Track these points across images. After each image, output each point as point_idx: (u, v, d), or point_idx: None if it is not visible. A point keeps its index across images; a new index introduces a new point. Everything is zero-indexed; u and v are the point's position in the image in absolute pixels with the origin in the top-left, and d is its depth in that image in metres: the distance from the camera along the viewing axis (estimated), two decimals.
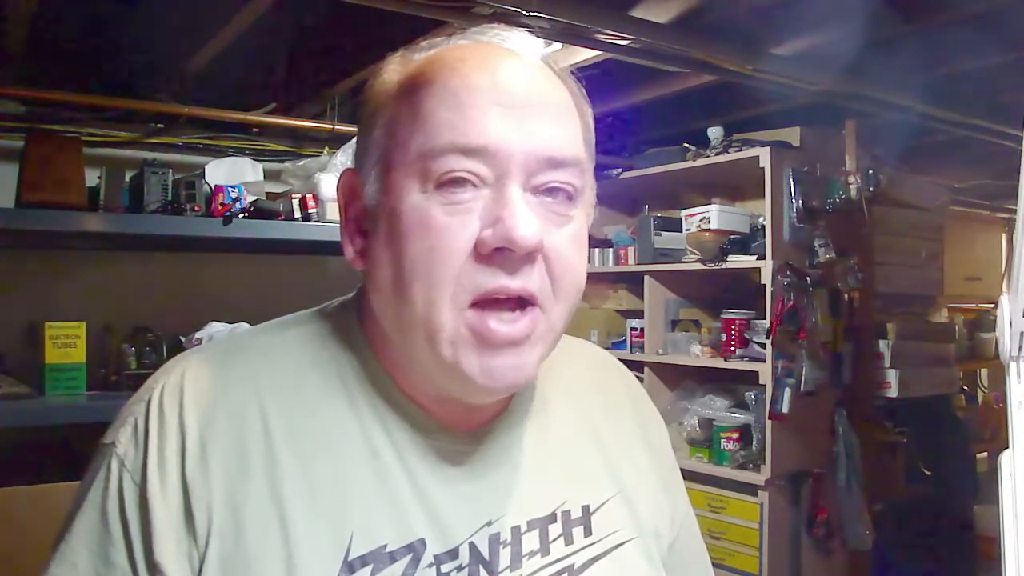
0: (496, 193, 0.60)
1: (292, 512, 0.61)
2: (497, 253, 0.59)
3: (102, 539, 0.61)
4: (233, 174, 2.32)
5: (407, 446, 0.66)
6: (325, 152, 2.69)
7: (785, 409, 2.55)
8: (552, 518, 0.71)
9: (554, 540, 0.70)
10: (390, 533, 0.63)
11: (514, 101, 0.61)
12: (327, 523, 0.61)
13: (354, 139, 2.53)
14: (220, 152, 2.65)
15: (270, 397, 0.65)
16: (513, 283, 0.60)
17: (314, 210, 2.28)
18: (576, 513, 0.72)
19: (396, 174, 0.62)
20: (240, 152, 2.67)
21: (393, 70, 0.67)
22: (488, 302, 0.60)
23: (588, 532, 0.72)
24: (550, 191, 0.62)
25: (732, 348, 2.81)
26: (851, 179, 2.73)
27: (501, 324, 0.60)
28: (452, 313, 0.60)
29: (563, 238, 0.63)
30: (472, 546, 0.65)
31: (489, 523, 0.67)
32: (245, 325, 2.01)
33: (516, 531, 0.68)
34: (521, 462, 0.71)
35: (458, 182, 0.60)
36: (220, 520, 0.60)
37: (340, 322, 0.71)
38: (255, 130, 2.71)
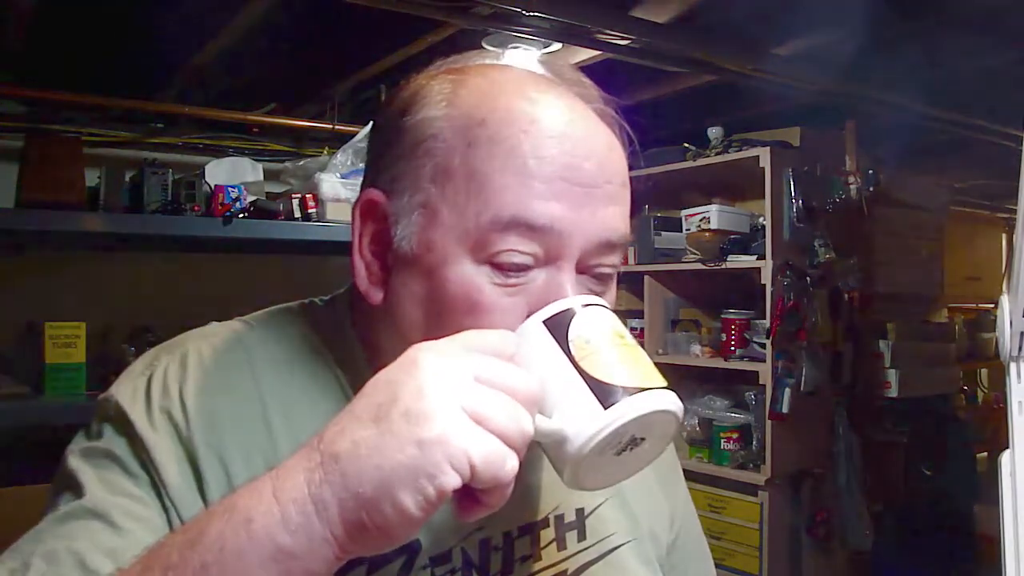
0: (549, 276, 0.59)
1: None
2: None
3: (113, 476, 0.60)
4: (233, 174, 2.32)
5: None
6: (325, 152, 2.69)
7: (785, 409, 2.55)
8: (544, 523, 0.70)
9: (546, 545, 0.69)
10: None
11: (582, 178, 0.59)
12: None
13: (354, 139, 2.51)
14: (220, 152, 2.65)
15: (268, 388, 0.65)
16: None
17: (314, 210, 2.28)
18: (570, 517, 0.71)
19: (444, 234, 0.59)
20: (240, 152, 2.68)
21: (442, 94, 0.62)
22: None
23: (582, 536, 0.71)
24: (591, 274, 0.62)
25: (732, 348, 2.81)
26: (851, 179, 2.73)
27: None
28: None
29: None
30: (463, 551, 0.65)
31: (480, 528, 0.66)
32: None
33: (508, 536, 0.68)
34: None
35: (514, 264, 0.58)
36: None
37: (331, 322, 0.71)
38: (255, 130, 2.72)
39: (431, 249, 0.60)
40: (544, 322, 0.56)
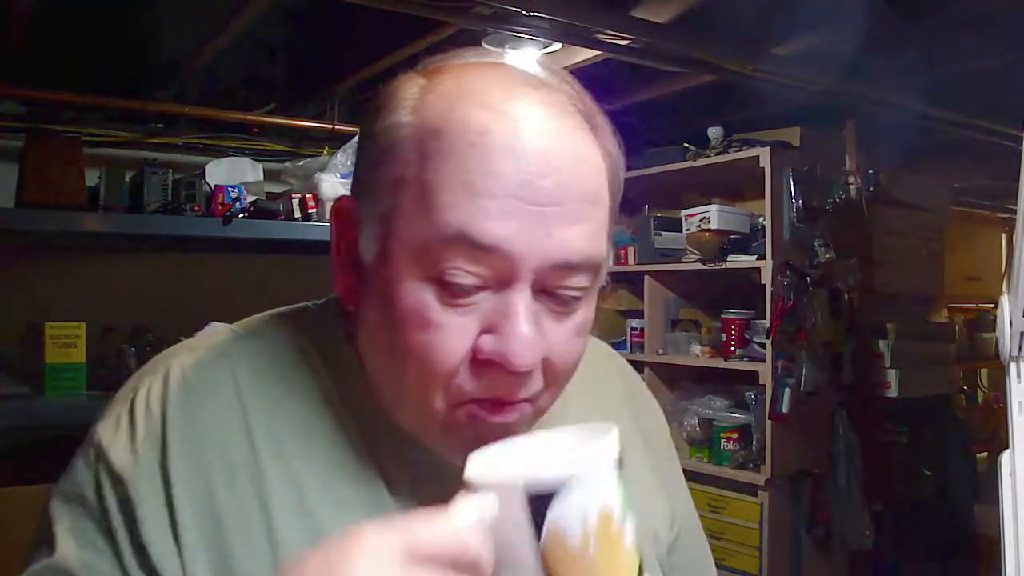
0: (501, 297, 0.56)
1: (279, 524, 0.59)
2: (494, 361, 0.57)
3: (83, 524, 0.59)
4: (233, 174, 2.32)
5: (391, 459, 0.64)
6: (325, 152, 2.69)
7: (785, 409, 2.55)
8: None
9: None
10: None
11: (537, 197, 0.55)
12: (315, 536, 0.59)
13: (354, 139, 2.52)
14: (220, 152, 2.65)
15: (254, 404, 0.63)
16: (508, 396, 0.58)
17: (314, 210, 2.28)
18: None
19: (397, 248, 0.57)
20: (240, 152, 2.67)
21: (410, 102, 0.59)
22: None
23: None
24: (555, 295, 0.58)
25: (732, 348, 2.81)
26: (851, 179, 2.73)
27: (494, 413, 0.59)
28: (446, 404, 0.59)
29: (565, 333, 0.59)
30: None
31: None
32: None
33: None
34: None
35: (461, 284, 0.55)
36: (201, 528, 0.58)
37: (322, 326, 0.69)
38: (255, 130, 2.72)
39: (386, 262, 0.58)
40: (526, 487, 0.47)
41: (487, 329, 0.56)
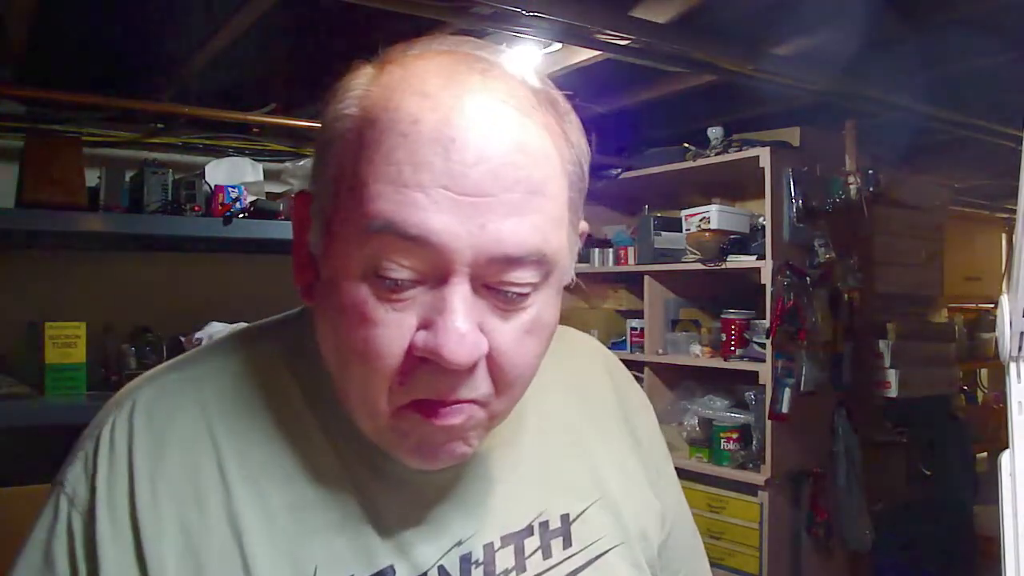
0: (436, 293, 0.54)
1: (252, 547, 0.58)
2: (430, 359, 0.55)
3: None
4: (233, 174, 2.32)
5: (364, 470, 0.63)
6: None
7: (785, 409, 2.55)
8: (528, 531, 0.67)
9: (530, 555, 0.66)
10: (355, 563, 0.60)
11: (468, 187, 0.52)
12: (289, 558, 0.59)
13: None
14: (220, 152, 2.65)
15: (221, 428, 0.62)
16: (449, 395, 0.56)
17: None
18: (554, 523, 0.68)
19: (337, 243, 0.56)
20: (240, 152, 2.67)
21: (356, 92, 0.58)
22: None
23: (568, 543, 0.68)
24: (500, 291, 0.55)
25: (732, 348, 2.81)
26: (851, 179, 2.74)
27: (437, 415, 0.57)
28: (390, 406, 0.57)
29: (511, 333, 0.56)
30: (442, 569, 0.62)
31: (459, 543, 0.64)
32: (243, 325, 2.02)
33: (489, 548, 0.65)
34: (492, 473, 0.68)
35: (395, 278, 0.53)
36: (176, 560, 0.57)
37: (296, 339, 0.67)
38: (255, 130, 2.71)
39: (328, 257, 0.57)
40: None
41: (423, 325, 0.54)
